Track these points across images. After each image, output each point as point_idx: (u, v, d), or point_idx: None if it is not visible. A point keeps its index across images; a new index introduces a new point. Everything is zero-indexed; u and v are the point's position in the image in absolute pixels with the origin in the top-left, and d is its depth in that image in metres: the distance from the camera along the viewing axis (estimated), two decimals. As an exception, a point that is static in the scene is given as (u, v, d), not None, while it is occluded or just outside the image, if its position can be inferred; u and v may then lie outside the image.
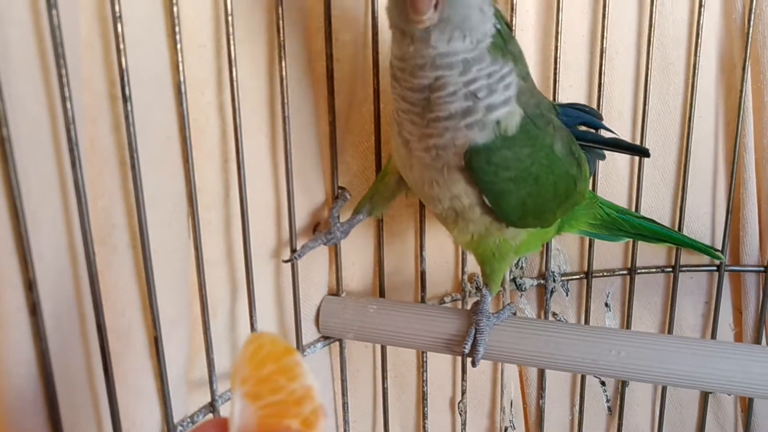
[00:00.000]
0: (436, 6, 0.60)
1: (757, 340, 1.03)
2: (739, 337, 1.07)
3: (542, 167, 0.72)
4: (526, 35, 0.90)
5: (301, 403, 0.44)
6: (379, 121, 0.85)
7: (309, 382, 0.44)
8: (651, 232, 0.91)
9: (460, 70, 0.65)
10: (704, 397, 1.09)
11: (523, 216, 0.74)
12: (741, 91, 0.92)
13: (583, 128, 0.81)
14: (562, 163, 0.74)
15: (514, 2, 0.86)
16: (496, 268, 0.81)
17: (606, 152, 0.87)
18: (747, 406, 1.09)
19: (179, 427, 0.76)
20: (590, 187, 0.92)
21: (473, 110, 0.67)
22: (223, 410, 0.82)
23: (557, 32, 0.89)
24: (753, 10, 0.89)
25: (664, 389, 1.08)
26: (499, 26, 0.67)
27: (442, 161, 0.70)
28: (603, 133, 0.85)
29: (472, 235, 0.78)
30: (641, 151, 0.83)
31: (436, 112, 0.67)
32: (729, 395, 1.09)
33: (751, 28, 0.90)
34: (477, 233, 0.78)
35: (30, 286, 0.56)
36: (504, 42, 0.67)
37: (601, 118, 0.85)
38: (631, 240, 0.98)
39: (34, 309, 0.57)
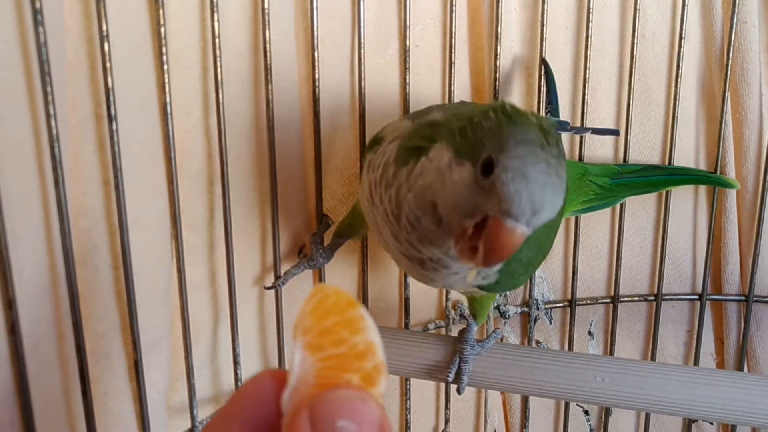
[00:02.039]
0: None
1: (739, 370, 1.03)
2: (720, 366, 1.07)
3: (544, 240, 0.66)
4: (512, 66, 0.91)
5: (363, 357, 0.41)
6: (363, 148, 0.85)
7: (372, 338, 0.41)
8: (652, 184, 0.89)
9: None
10: (687, 424, 1.08)
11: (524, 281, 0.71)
12: (721, 121, 0.94)
13: None
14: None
15: (499, 32, 0.87)
16: (485, 304, 0.80)
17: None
18: (730, 433, 1.09)
19: (158, 454, 0.75)
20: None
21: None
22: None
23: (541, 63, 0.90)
24: (732, 43, 0.91)
25: (647, 417, 1.08)
26: None
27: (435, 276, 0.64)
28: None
29: (464, 293, 0.77)
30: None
31: (428, 273, 0.61)
32: (711, 424, 1.09)
33: (730, 60, 0.91)
34: (467, 293, 0.76)
35: (9, 304, 0.55)
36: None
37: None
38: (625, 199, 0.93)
39: (13, 328, 0.56)
